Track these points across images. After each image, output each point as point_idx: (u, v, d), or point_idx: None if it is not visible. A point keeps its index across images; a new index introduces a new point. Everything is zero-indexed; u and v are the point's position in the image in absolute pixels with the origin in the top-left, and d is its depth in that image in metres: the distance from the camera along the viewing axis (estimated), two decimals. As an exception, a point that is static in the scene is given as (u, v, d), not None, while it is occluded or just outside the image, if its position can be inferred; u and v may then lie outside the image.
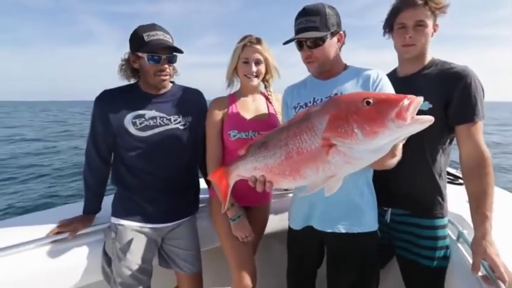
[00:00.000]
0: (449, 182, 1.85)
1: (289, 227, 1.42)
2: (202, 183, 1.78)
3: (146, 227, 1.47)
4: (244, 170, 1.10)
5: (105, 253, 1.46)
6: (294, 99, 1.33)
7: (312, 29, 1.16)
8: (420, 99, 0.73)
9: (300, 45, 1.22)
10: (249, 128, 1.48)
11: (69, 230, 1.42)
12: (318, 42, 1.18)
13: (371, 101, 0.79)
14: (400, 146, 0.90)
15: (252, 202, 1.61)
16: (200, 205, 1.69)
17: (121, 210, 1.48)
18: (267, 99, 1.62)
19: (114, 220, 1.47)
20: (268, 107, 1.59)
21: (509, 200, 1.77)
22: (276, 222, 1.79)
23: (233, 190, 1.48)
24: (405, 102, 0.73)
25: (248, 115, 1.52)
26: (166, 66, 1.41)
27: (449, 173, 2.02)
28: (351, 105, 0.81)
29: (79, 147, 12.25)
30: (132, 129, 1.40)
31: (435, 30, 1.28)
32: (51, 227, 1.42)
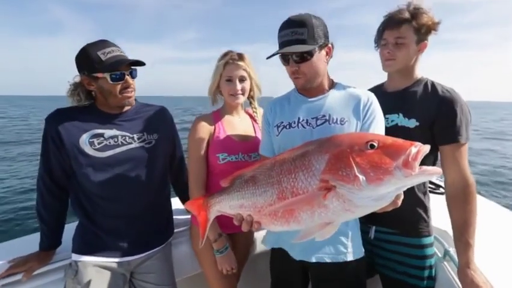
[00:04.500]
0: (430, 191, 1.83)
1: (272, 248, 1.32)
2: (177, 204, 1.63)
3: (111, 261, 1.30)
4: (228, 207, 0.99)
5: None
6: (277, 117, 1.22)
7: (299, 42, 1.05)
8: (427, 147, 0.70)
9: (286, 59, 1.11)
10: (239, 151, 1.38)
11: (23, 270, 1.23)
12: (306, 56, 1.08)
13: (375, 144, 0.73)
14: (402, 195, 0.85)
15: (237, 228, 1.50)
16: (175, 230, 1.55)
17: (81, 244, 1.31)
18: (252, 117, 1.54)
19: (74, 257, 1.30)
20: (254, 127, 1.51)
21: (496, 210, 1.78)
22: (260, 242, 1.69)
23: (218, 217, 1.35)
24: (413, 150, 0.69)
25: (236, 136, 1.42)
26: (131, 82, 1.27)
27: (430, 182, 2.00)
28: (354, 146, 0.75)
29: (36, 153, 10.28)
30: (89, 150, 1.24)
31: (421, 48, 1.27)
32: (1, 267, 1.22)
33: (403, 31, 1.22)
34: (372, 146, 0.73)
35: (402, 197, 0.85)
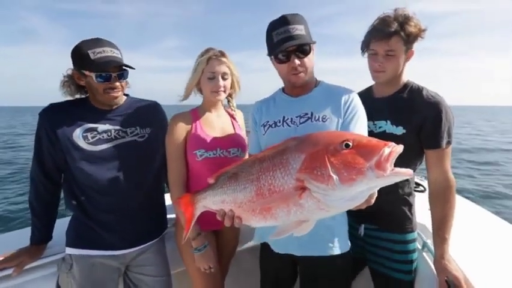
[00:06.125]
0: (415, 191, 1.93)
1: (261, 244, 1.36)
2: (170, 200, 1.67)
3: (106, 255, 1.33)
4: (212, 202, 1.03)
5: None
6: (263, 117, 1.26)
7: (301, 37, 1.09)
8: (400, 148, 0.72)
9: (287, 56, 1.11)
10: (217, 146, 1.38)
11: (13, 265, 1.26)
12: (308, 50, 1.11)
13: (350, 143, 0.75)
14: (376, 193, 0.87)
15: (221, 225, 1.55)
16: (169, 225, 1.59)
17: (75, 237, 1.34)
18: (231, 115, 1.55)
19: (68, 250, 1.32)
20: (233, 124, 1.52)
21: (468, 208, 1.91)
22: (249, 238, 1.74)
23: (201, 215, 1.39)
24: (386, 151, 0.70)
25: (214, 132, 1.42)
26: (117, 83, 1.29)
27: (417, 184, 2.11)
28: (329, 146, 0.77)
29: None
30: (82, 144, 1.27)
31: (409, 56, 1.30)
32: None
33: (393, 43, 1.22)
34: (347, 145, 0.75)
35: (375, 195, 0.87)
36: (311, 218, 0.84)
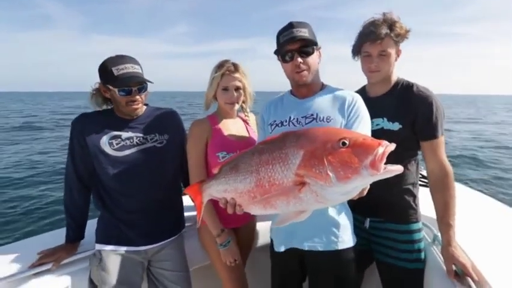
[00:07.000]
0: (424, 185, 1.96)
1: (271, 240, 1.43)
2: (187, 201, 1.79)
3: (130, 250, 1.46)
4: (216, 191, 1.08)
5: (91, 282, 1.44)
6: (271, 116, 1.34)
7: (304, 37, 1.18)
8: (393, 146, 0.77)
9: (291, 55, 1.21)
10: (236, 148, 1.49)
11: (52, 260, 1.40)
12: (310, 51, 1.21)
13: (347, 142, 0.80)
14: (368, 187, 0.92)
15: (239, 223, 1.64)
16: (186, 224, 1.70)
17: (103, 235, 1.47)
18: (245, 121, 1.67)
19: (98, 246, 1.46)
20: (247, 129, 1.64)
21: (473, 196, 1.93)
22: (263, 235, 1.83)
23: (220, 212, 1.48)
24: (380, 150, 0.75)
25: (232, 136, 1.55)
26: (138, 97, 1.43)
27: (424, 177, 2.13)
28: (327, 144, 0.83)
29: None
30: (108, 150, 1.41)
31: (398, 55, 1.39)
32: (32, 258, 1.39)
33: (385, 45, 1.33)
34: (344, 144, 0.80)
35: (368, 188, 0.92)
36: (308, 209, 0.90)
